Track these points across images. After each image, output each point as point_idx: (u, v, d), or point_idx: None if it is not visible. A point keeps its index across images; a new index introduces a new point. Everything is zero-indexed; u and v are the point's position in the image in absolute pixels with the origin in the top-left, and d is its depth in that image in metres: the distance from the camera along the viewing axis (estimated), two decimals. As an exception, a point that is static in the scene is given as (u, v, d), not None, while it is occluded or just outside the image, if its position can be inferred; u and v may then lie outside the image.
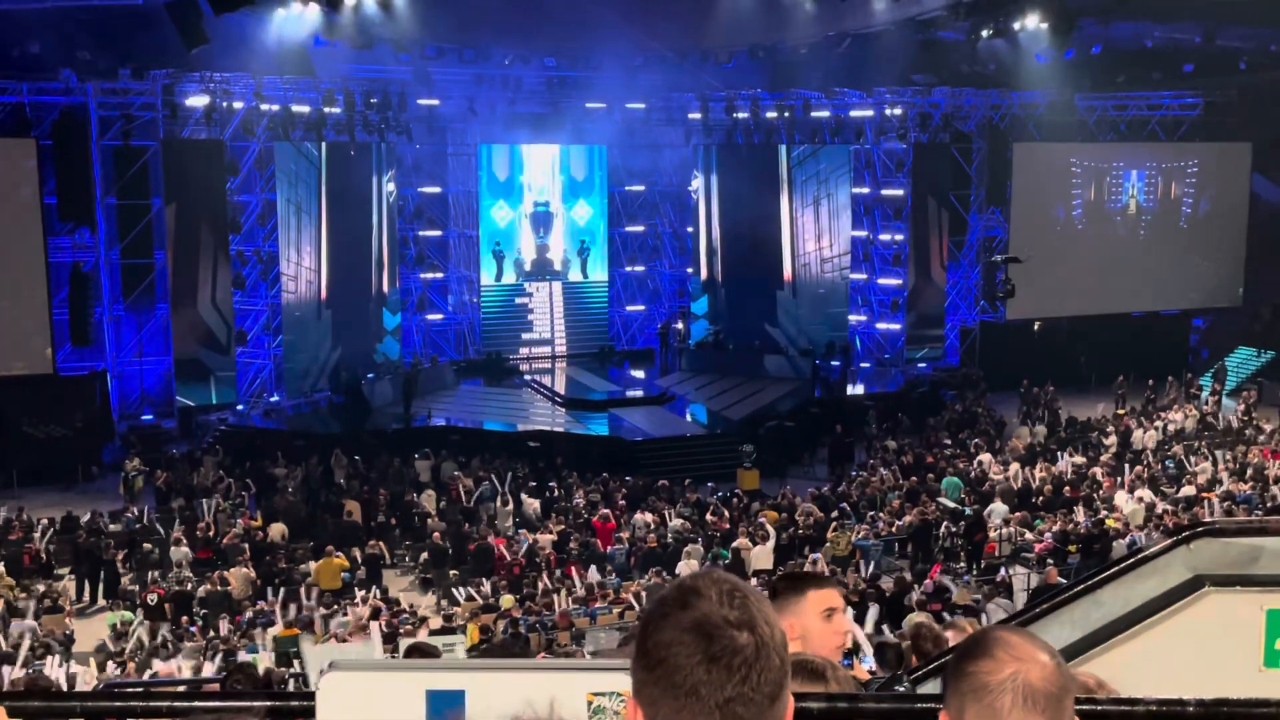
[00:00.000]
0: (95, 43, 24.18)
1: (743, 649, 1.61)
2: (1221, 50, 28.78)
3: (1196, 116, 32.41)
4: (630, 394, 30.35)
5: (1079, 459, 23.80)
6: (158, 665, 14.49)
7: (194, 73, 24.93)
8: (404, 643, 13.65)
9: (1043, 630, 3.92)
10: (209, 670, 13.96)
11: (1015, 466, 23.10)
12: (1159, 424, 26.22)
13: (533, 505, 21.87)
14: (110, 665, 14.87)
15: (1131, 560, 3.80)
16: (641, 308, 34.57)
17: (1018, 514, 20.53)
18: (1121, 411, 27.04)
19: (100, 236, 24.96)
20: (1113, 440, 25.28)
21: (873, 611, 15.80)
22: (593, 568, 18.69)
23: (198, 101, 25.37)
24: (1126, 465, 23.12)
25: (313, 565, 18.99)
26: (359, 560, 19.46)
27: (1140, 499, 20.54)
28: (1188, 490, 21.21)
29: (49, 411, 23.99)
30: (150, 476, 22.50)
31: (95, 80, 24.35)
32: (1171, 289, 32.90)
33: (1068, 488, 21.95)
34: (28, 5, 22.55)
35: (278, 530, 20.37)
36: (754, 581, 17.75)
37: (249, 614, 17.06)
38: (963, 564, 19.64)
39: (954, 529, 20.30)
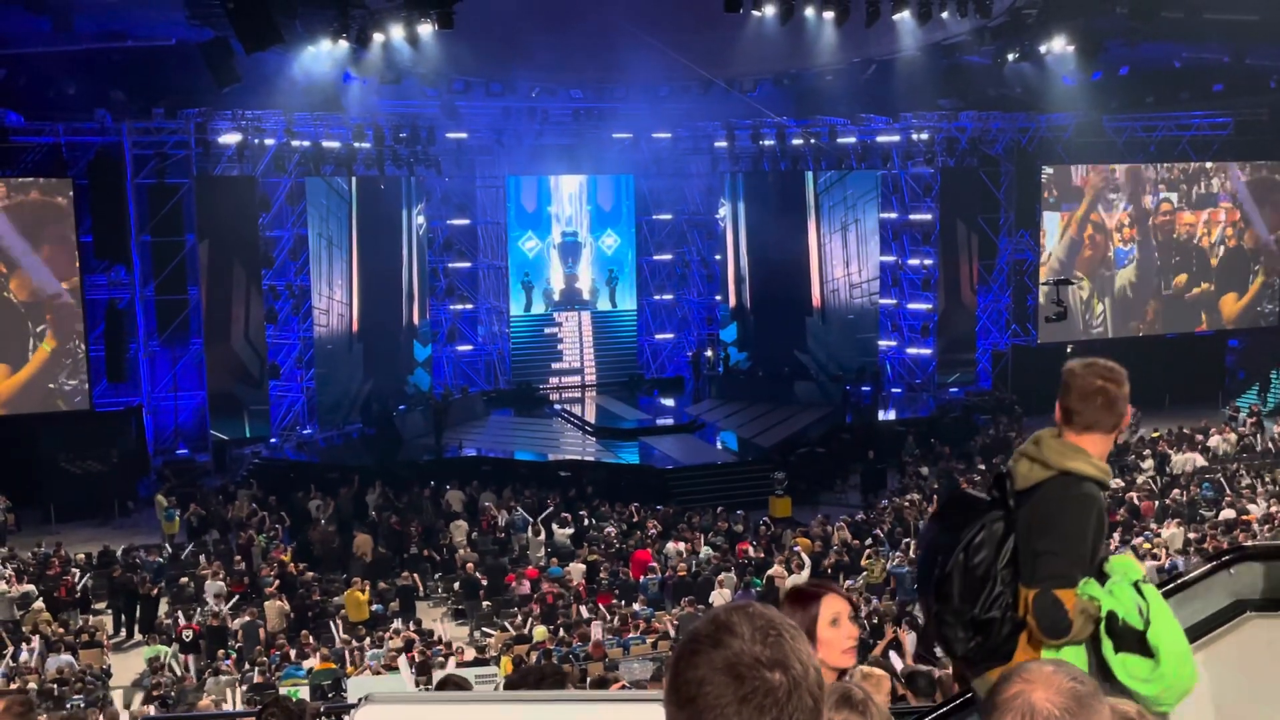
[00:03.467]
0: (129, 83, 24.59)
1: (775, 689, 1.59)
2: (1251, 69, 28.59)
3: (1227, 136, 32.19)
4: (660, 422, 30.33)
5: (1117, 481, 23.53)
6: (202, 701, 14.53)
7: (226, 110, 25.28)
8: (437, 674, 13.66)
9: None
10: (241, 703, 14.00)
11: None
12: (1197, 446, 25.90)
13: (564, 535, 21.86)
14: (148, 698, 14.94)
15: (1171, 585, 3.75)
16: (670, 336, 34.61)
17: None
18: (1156, 434, 26.73)
19: (135, 274, 25.28)
20: (1149, 464, 24.98)
21: (910, 640, 15.67)
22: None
23: (230, 139, 25.71)
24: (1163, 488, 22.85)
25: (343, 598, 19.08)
26: (392, 591, 19.54)
27: (1178, 523, 20.27)
28: (1227, 514, 20.90)
29: (86, 447, 24.26)
30: (184, 511, 22.65)
31: (129, 120, 24.73)
32: (1206, 311, 32.61)
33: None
34: (62, 48, 22.97)
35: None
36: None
37: (283, 647, 17.11)
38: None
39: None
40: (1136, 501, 21.95)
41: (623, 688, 12.54)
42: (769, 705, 1.59)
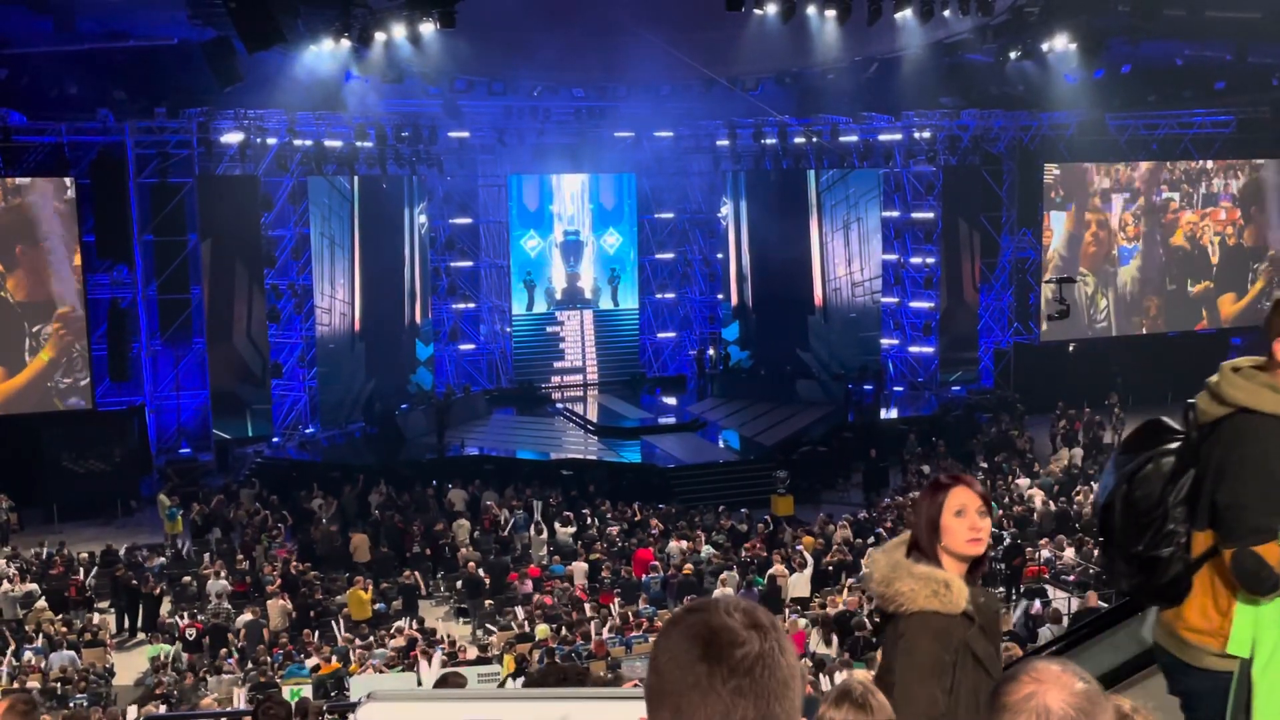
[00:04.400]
0: (131, 83, 24.59)
1: (744, 644, 1.61)
2: (1253, 67, 28.53)
3: (1229, 134, 32.15)
4: (662, 421, 30.33)
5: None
6: (204, 700, 14.55)
7: (228, 110, 25.30)
8: (442, 671, 13.63)
9: (1085, 655, 3.87)
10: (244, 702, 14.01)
11: (1040, 495, 22.78)
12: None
13: (566, 534, 21.86)
14: (151, 697, 14.96)
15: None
16: (672, 335, 34.60)
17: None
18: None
19: (138, 273, 25.31)
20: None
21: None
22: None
23: (232, 138, 25.73)
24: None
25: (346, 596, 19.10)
26: (395, 590, 19.54)
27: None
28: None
29: (89, 446, 24.28)
30: (187, 510, 22.67)
31: (132, 119, 24.75)
32: (1207, 308, 32.58)
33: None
34: (65, 47, 22.98)
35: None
36: (787, 611, 17.64)
37: (286, 646, 17.12)
38: (1001, 589, 19.42)
39: (992, 553, 20.09)
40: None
41: (635, 687, 12.54)
42: (739, 658, 1.60)
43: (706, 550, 20.60)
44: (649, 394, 32.99)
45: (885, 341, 32.08)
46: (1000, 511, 21.97)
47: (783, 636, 1.66)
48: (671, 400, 32.58)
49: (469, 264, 32.24)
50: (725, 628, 1.62)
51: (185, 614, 18.53)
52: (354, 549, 21.06)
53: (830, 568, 19.60)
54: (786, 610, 17.67)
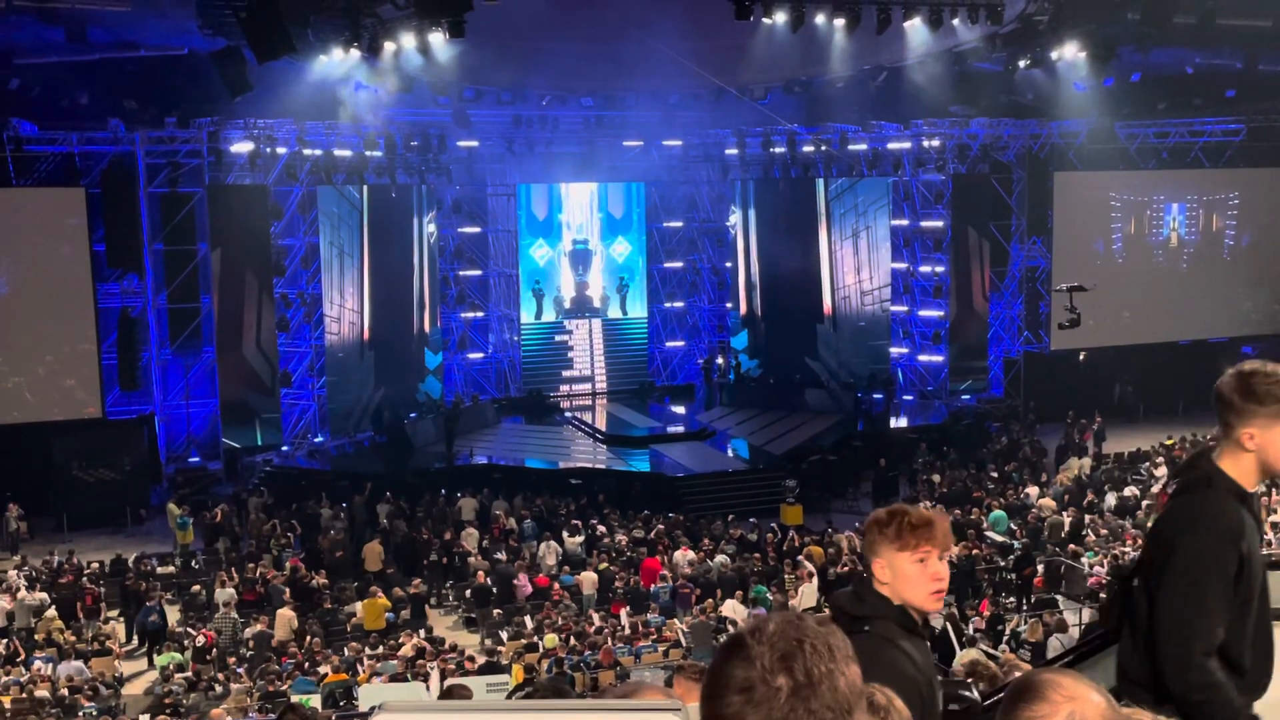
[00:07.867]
0: (142, 92, 24.71)
1: (778, 691, 1.58)
2: (1263, 75, 28.47)
3: (1239, 142, 32.04)
4: (671, 430, 30.28)
5: (1132, 490, 23.39)
6: (214, 710, 14.52)
7: (238, 120, 25.38)
8: (446, 683, 13.61)
9: (1098, 667, 3.83)
10: (255, 712, 13.99)
11: (1051, 504, 22.67)
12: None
13: (575, 543, 21.80)
14: (160, 707, 14.94)
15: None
16: (681, 343, 34.59)
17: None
18: (1170, 441, 26.59)
19: (148, 282, 25.37)
20: (1162, 471, 24.84)
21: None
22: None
23: (242, 148, 25.80)
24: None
25: (357, 606, 19.06)
26: (404, 599, 19.50)
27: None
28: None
29: (98, 455, 24.33)
30: (197, 518, 22.66)
31: (142, 129, 24.85)
32: (1218, 317, 32.42)
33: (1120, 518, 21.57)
34: (76, 58, 23.09)
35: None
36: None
37: (296, 656, 17.09)
38: (1012, 599, 19.34)
39: (1003, 563, 20.01)
40: (1149, 511, 21.81)
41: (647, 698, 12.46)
42: (766, 696, 1.58)
43: (720, 560, 20.51)
44: (658, 403, 32.96)
45: (894, 350, 32.00)
46: (1014, 521, 21.86)
47: (821, 662, 1.61)
48: (680, 409, 32.54)
49: (478, 273, 32.29)
50: (762, 671, 1.59)
51: (193, 624, 18.51)
52: (365, 558, 21.04)
53: (839, 577, 19.51)
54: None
